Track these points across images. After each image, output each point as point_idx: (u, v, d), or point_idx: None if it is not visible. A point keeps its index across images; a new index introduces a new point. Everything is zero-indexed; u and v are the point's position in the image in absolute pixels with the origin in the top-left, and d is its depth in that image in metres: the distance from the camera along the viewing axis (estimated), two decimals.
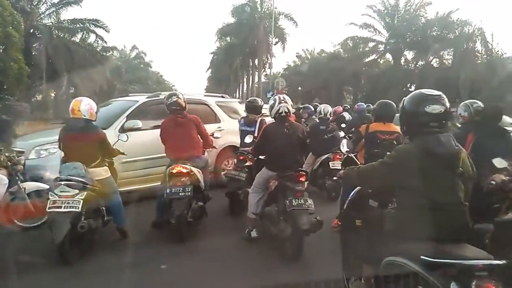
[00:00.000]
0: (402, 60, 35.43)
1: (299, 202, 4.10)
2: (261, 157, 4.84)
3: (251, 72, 41.99)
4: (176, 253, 4.36)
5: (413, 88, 31.91)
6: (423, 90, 2.47)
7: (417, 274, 2.06)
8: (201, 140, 5.39)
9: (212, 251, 4.39)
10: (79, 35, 28.94)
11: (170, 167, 4.80)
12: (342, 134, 7.59)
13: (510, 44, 77.37)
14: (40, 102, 27.93)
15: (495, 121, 4.09)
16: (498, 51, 28.18)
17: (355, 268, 2.86)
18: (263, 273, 3.89)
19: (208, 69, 53.34)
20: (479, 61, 28.28)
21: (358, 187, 3.04)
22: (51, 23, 26.64)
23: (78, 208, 3.84)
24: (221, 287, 3.57)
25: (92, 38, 30.40)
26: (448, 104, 2.34)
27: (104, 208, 4.41)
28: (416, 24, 32.48)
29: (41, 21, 26.68)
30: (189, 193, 4.61)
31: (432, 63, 32.00)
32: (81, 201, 3.89)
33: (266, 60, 38.58)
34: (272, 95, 24.44)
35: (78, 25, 27.97)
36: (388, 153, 3.30)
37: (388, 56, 37.18)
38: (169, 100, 5.16)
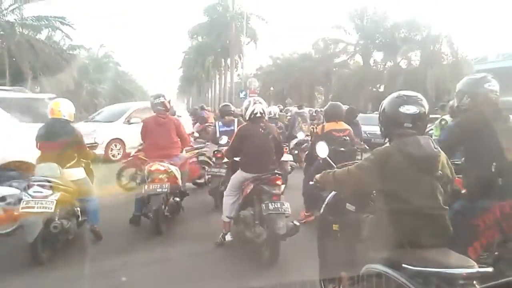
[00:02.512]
0: (372, 61, 36.28)
1: (276, 206, 3.99)
2: (236, 159, 4.72)
3: (223, 72, 41.82)
4: (149, 254, 4.34)
5: (382, 88, 32.68)
6: (401, 92, 2.42)
7: (399, 283, 1.97)
8: (179, 140, 5.53)
9: (185, 253, 4.36)
10: (44, 33, 27.90)
11: (149, 164, 4.94)
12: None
13: (473, 48, 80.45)
14: None
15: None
16: (463, 52, 29.28)
17: (332, 274, 2.71)
18: (237, 277, 3.81)
19: (180, 68, 52.83)
20: (445, 63, 29.24)
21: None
22: (14, 20, 25.41)
23: (51, 209, 3.83)
24: None
25: (58, 36, 29.44)
26: (426, 106, 2.28)
27: (78, 209, 4.41)
28: (384, 25, 33.28)
29: (3, 18, 25.48)
30: (166, 189, 4.78)
31: (400, 64, 32.84)
32: (55, 201, 3.88)
33: (238, 60, 38.58)
34: (245, 95, 24.62)
35: (43, 22, 26.86)
36: (341, 148, 4.04)
37: (358, 57, 37.92)
38: (156, 100, 5.40)
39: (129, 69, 61.24)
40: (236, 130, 5.27)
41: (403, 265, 1.96)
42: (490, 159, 2.28)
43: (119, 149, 11.50)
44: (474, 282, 1.85)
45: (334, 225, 2.81)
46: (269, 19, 45.63)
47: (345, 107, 6.14)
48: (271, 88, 45.89)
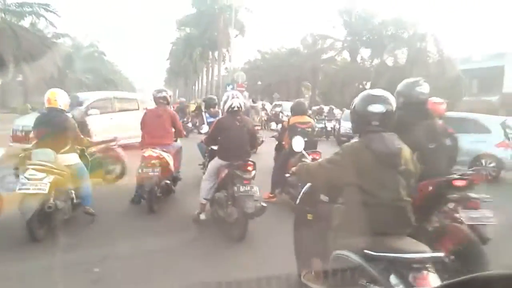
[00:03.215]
0: (359, 58, 36.54)
1: (246, 188, 4.48)
2: (214, 147, 5.23)
3: (210, 64, 41.56)
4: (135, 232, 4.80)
5: (368, 85, 33.00)
6: (370, 90, 2.61)
7: (361, 266, 2.14)
8: (174, 131, 6.17)
9: (170, 228, 4.99)
10: (28, 20, 27.31)
11: (143, 151, 5.56)
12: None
13: (458, 47, 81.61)
14: None
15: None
16: (448, 52, 29.65)
17: (306, 261, 2.96)
18: (212, 249, 4.31)
19: (167, 60, 52.39)
20: (431, 61, 29.58)
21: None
22: None
23: (45, 190, 4.16)
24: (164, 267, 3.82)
25: (42, 24, 28.83)
26: (393, 105, 2.43)
27: (73, 191, 4.72)
28: (372, 22, 33.50)
29: None
30: (157, 173, 5.32)
31: (387, 61, 33.11)
32: (49, 184, 4.20)
33: (226, 53, 38.32)
34: (232, 88, 24.50)
35: (27, 9, 26.29)
36: (304, 138, 4.38)
37: (346, 53, 38.14)
38: (158, 94, 6.15)
39: (115, 59, 60.30)
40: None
41: (365, 250, 2.13)
42: (413, 148, 2.55)
43: None
44: (427, 265, 2.04)
45: (308, 214, 3.01)
46: (258, 13, 45.43)
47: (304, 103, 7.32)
48: (259, 83, 45.87)
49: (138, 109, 12.01)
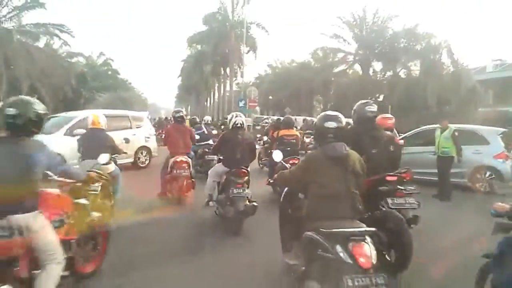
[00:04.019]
0: (371, 71, 36.12)
1: (239, 191, 5.58)
2: (220, 157, 6.41)
3: (222, 80, 41.68)
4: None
5: (381, 98, 32.64)
6: (326, 112, 3.57)
7: (318, 241, 2.94)
8: (191, 142, 8.16)
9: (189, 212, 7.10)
10: (42, 40, 27.76)
11: (174, 157, 7.48)
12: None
13: (472, 57, 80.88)
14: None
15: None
16: (462, 62, 29.20)
17: (288, 244, 4.01)
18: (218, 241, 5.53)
19: (179, 77, 52.76)
20: (445, 72, 29.15)
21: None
22: (12, 27, 25.21)
23: (97, 191, 4.92)
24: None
25: (57, 44, 29.26)
26: (343, 122, 3.35)
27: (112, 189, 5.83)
28: (384, 35, 33.20)
29: (1, 25, 25.30)
30: (187, 173, 7.40)
31: (400, 74, 32.74)
32: (100, 187, 5.04)
33: (237, 69, 38.35)
34: (244, 104, 24.42)
35: (41, 30, 26.74)
36: (288, 148, 7.74)
37: (357, 66, 37.82)
38: (177, 114, 8.23)
39: (128, 76, 61.07)
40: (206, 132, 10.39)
41: (321, 229, 2.91)
42: (360, 153, 3.47)
43: None
44: (364, 238, 2.83)
45: (289, 209, 4.08)
46: (269, 28, 45.58)
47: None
48: (270, 97, 45.76)
49: (130, 128, 12.06)
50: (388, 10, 34.12)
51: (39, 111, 2.99)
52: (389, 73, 33.91)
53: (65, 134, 10.30)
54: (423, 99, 27.19)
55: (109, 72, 43.27)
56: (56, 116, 11.97)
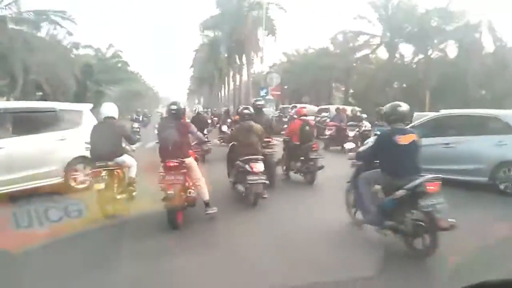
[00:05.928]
0: (397, 55, 33.29)
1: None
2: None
3: (237, 69, 39.04)
4: None
5: (404, 85, 30.02)
6: (244, 105, 9.43)
7: (239, 164, 6.75)
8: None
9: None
10: (44, 30, 25.67)
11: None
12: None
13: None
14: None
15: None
16: (506, 42, 26.29)
17: (230, 171, 7.82)
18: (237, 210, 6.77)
19: (191, 67, 50.66)
20: (485, 52, 26.30)
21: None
22: (10, 15, 22.99)
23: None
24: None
25: (61, 34, 27.20)
26: (251, 110, 7.36)
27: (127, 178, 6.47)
28: (413, 15, 30.25)
29: None
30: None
31: (432, 56, 29.85)
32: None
33: (254, 56, 35.55)
34: (266, 93, 22.10)
35: (42, 17, 24.59)
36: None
37: (380, 51, 35.05)
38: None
39: (139, 69, 59.15)
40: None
41: (240, 159, 6.83)
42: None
43: None
44: (256, 160, 6.63)
45: (230, 154, 7.90)
46: (288, 10, 42.50)
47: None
48: (285, 87, 43.07)
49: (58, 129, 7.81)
50: None
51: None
52: (419, 57, 30.98)
53: None
54: (462, 83, 24.54)
55: (119, 65, 41.35)
56: None
